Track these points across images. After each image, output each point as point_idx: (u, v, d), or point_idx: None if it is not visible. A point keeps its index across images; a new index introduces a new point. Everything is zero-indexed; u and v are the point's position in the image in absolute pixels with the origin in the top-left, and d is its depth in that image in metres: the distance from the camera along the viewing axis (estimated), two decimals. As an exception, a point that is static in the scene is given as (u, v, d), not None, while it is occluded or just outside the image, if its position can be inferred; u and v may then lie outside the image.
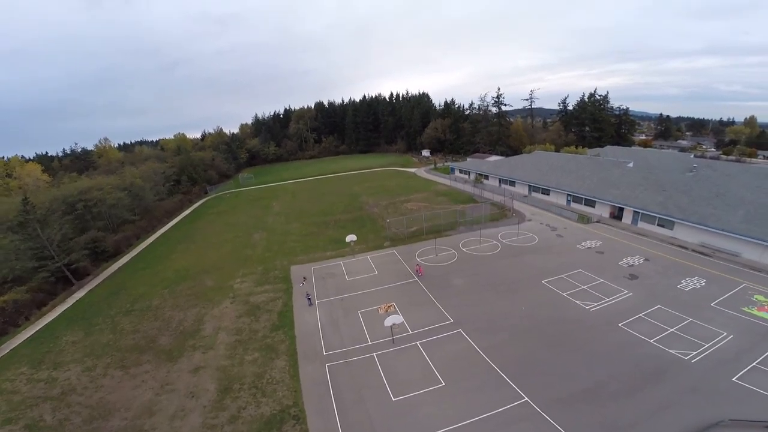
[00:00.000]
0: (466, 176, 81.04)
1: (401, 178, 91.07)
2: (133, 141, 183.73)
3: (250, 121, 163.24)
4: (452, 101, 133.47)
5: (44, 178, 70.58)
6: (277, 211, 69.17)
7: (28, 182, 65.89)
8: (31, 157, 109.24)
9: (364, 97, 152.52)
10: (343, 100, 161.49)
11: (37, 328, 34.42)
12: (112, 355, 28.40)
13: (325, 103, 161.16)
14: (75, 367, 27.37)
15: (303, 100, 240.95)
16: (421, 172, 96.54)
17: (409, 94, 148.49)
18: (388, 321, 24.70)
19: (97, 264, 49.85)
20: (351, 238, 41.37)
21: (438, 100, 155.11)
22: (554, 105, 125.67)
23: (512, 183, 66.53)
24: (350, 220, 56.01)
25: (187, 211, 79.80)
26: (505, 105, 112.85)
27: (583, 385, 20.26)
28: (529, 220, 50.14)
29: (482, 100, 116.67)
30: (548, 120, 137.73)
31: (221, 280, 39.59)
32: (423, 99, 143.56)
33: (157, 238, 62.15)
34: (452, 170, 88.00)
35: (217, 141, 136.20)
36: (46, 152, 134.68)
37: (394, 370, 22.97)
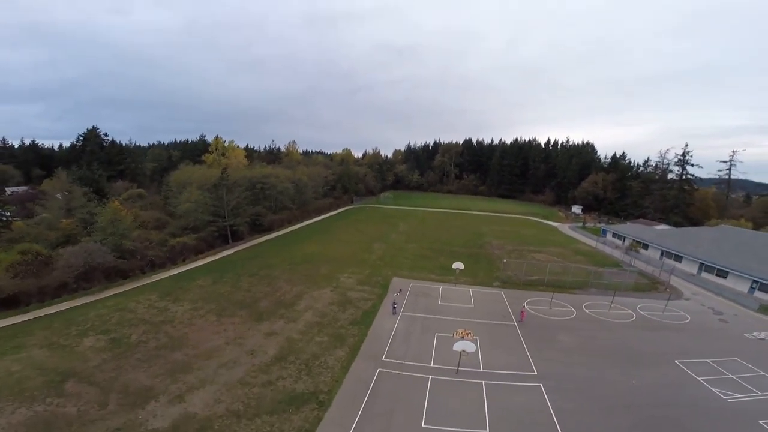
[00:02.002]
0: (620, 242, 69.07)
1: (538, 228, 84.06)
2: (314, 150, 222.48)
3: (403, 148, 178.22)
4: (623, 155, 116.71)
5: (244, 162, 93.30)
6: (401, 230, 73.48)
7: (233, 162, 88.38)
8: (242, 146, 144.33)
9: (516, 140, 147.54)
10: (492, 141, 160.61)
11: (186, 268, 44.16)
12: (219, 303, 33.37)
13: (474, 141, 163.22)
14: (187, 305, 32.62)
15: (455, 135, 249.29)
16: (564, 228, 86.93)
17: (570, 143, 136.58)
18: (458, 346, 23.23)
19: (252, 233, 62.05)
20: (458, 265, 40.59)
21: (605, 153, 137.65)
22: (764, 176, 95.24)
23: (678, 258, 53.52)
24: (466, 255, 54.78)
25: (333, 213, 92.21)
26: (693, 166, 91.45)
27: None
28: (687, 299, 40.95)
29: (662, 157, 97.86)
30: (755, 196, 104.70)
31: (333, 271, 44.35)
32: (585, 149, 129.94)
33: (303, 226, 73.77)
34: (604, 232, 76.42)
35: (372, 161, 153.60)
36: (252, 146, 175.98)
37: (442, 398, 21.40)
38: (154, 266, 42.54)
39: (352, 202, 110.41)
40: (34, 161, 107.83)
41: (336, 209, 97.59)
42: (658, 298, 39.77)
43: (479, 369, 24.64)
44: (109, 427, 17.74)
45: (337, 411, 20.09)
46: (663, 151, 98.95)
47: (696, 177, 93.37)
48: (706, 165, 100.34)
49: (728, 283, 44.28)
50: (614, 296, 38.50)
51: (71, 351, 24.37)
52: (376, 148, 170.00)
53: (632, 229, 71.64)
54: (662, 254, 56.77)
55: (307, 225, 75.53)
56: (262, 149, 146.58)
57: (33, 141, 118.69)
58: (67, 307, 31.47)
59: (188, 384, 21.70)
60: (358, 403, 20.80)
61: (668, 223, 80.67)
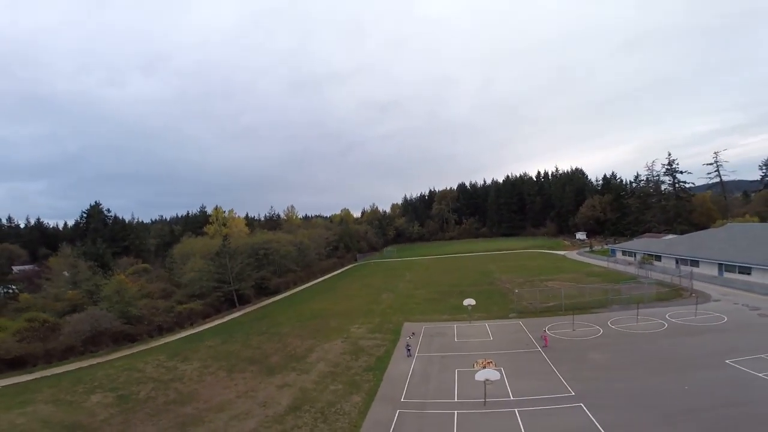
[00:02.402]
0: (631, 258, 67.40)
1: (545, 259, 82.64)
2: (313, 214, 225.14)
3: (399, 201, 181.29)
4: (613, 175, 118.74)
5: (245, 231, 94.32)
6: (408, 279, 72.29)
7: (234, 231, 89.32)
8: (242, 215, 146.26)
9: (508, 177, 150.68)
10: (485, 181, 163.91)
11: (194, 331, 43.39)
12: (229, 360, 32.75)
13: (467, 184, 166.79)
14: (197, 363, 32.16)
15: (448, 181, 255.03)
16: (572, 254, 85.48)
17: (559, 172, 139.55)
18: (480, 375, 21.35)
19: (259, 297, 61.64)
20: (469, 301, 39.07)
21: (595, 175, 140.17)
22: (755, 174, 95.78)
23: (695, 263, 51.80)
24: (476, 292, 52.95)
25: (338, 271, 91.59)
26: (682, 173, 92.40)
27: None
28: (717, 301, 39.06)
29: (650, 169, 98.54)
30: (751, 193, 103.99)
31: (342, 324, 42.72)
32: (576, 175, 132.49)
33: (309, 286, 72.96)
34: (613, 252, 74.97)
35: (371, 217, 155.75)
36: (252, 215, 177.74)
37: None
38: (162, 330, 42.39)
39: (355, 260, 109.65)
40: (40, 240, 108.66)
41: (340, 268, 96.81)
42: (685, 305, 37.71)
43: (509, 398, 22.49)
44: None
45: None
46: (650, 164, 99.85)
47: (690, 183, 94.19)
48: (694, 172, 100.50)
49: (754, 278, 42.34)
50: (638, 308, 36.53)
51: (78, 406, 23.66)
52: (374, 205, 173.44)
53: (640, 243, 70.45)
54: (677, 262, 54.98)
55: (312, 285, 74.58)
56: (262, 217, 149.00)
57: (38, 219, 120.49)
58: (75, 368, 30.95)
59: None
60: None
61: (674, 233, 79.44)
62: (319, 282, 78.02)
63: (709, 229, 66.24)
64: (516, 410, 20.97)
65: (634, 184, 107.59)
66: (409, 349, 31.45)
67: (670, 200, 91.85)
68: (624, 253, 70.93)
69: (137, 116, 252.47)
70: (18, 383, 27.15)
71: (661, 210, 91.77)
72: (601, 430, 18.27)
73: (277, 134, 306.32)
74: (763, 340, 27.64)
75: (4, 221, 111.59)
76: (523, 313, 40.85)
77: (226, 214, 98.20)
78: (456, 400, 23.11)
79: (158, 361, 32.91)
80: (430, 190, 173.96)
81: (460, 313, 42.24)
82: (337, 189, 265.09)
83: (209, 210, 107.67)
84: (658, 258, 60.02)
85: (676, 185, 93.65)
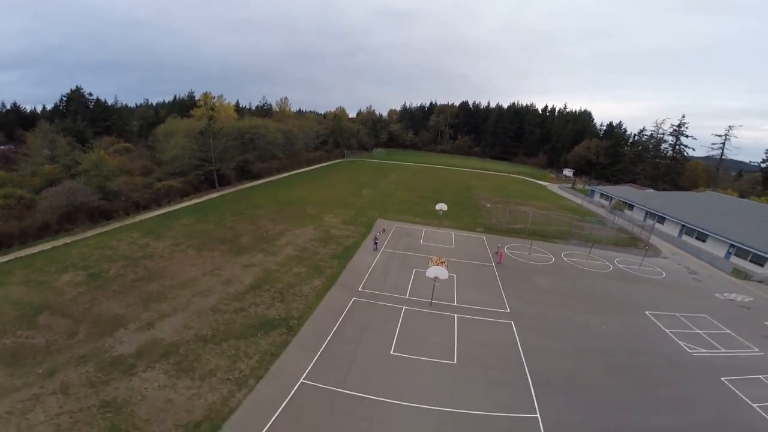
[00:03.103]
0: (606, 202, 69.59)
1: (526, 185, 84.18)
2: (307, 110, 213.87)
3: (398, 108, 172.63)
4: (619, 124, 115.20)
5: (233, 116, 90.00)
6: (392, 180, 73.11)
7: (222, 116, 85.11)
8: (232, 103, 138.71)
9: (513, 104, 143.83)
10: (488, 104, 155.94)
11: (170, 209, 43.08)
12: (201, 239, 33.05)
13: (470, 103, 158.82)
14: (169, 241, 32.08)
15: (452, 97, 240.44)
16: (554, 187, 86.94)
17: (567, 110, 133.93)
18: (431, 272, 23.37)
19: (240, 180, 61.13)
20: (441, 206, 40.56)
21: (601, 120, 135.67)
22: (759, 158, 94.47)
23: (662, 219, 54.25)
24: (453, 202, 54.61)
25: (324, 164, 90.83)
26: (687, 137, 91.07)
27: (633, 425, 15.90)
28: (665, 258, 41.00)
29: (657, 127, 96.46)
30: (745, 173, 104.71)
31: (318, 212, 44.17)
32: (582, 116, 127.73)
33: (292, 174, 72.82)
34: (592, 193, 76.79)
35: (366, 118, 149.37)
36: (243, 105, 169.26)
37: (413, 328, 21.68)
38: (139, 207, 41.49)
39: (343, 156, 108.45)
40: (16, 123, 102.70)
41: (326, 161, 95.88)
42: (636, 254, 40.04)
43: (453, 303, 25.03)
44: (74, 354, 17.28)
45: (306, 336, 20.11)
46: (659, 122, 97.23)
47: (690, 148, 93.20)
48: (702, 142, 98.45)
49: (707, 246, 44.88)
50: (592, 248, 38.94)
51: (48, 286, 23.49)
52: (371, 106, 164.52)
53: (620, 190, 71.99)
54: (646, 215, 57.42)
55: (295, 174, 74.35)
56: (253, 107, 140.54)
57: (14, 103, 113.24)
58: (50, 247, 30.14)
59: (160, 312, 21.38)
60: (329, 329, 20.83)
61: (656, 190, 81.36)
62: (302, 171, 77.73)
63: (688, 192, 67.96)
64: (455, 315, 23.47)
65: (636, 137, 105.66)
66: (376, 243, 33.43)
67: (665, 159, 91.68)
68: (602, 196, 72.82)
69: (124, 9, 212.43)
70: None
71: (653, 166, 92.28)
72: (520, 347, 20.82)
73: (278, 31, 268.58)
74: (685, 301, 29.68)
75: None
76: (489, 230, 43.11)
77: (216, 99, 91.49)
78: (407, 296, 25.43)
79: (131, 238, 32.59)
80: (431, 102, 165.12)
81: (432, 219, 44.23)
82: (336, 90, 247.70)
83: (198, 96, 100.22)
84: (631, 207, 62.26)
85: (677, 147, 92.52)
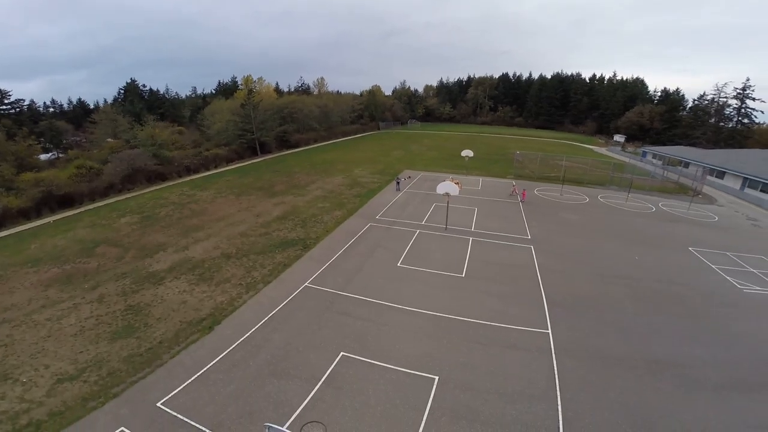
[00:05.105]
0: (659, 162, 64.14)
1: (570, 147, 79.47)
2: (344, 91, 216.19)
3: (434, 84, 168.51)
4: (676, 90, 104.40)
5: (273, 95, 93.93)
6: (425, 144, 72.80)
7: (263, 94, 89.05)
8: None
9: (557, 73, 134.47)
10: (531, 75, 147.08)
11: (216, 171, 46.82)
12: (240, 188, 36.21)
13: (511, 75, 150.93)
14: (212, 191, 35.47)
15: (491, 70, 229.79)
16: (601, 150, 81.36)
17: (616, 78, 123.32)
18: (441, 187, 23.33)
19: (280, 149, 64.49)
20: (467, 152, 39.94)
21: (655, 86, 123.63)
22: None
23: (721, 175, 49.25)
24: (485, 159, 53.32)
25: (358, 135, 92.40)
26: (755, 100, 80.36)
27: (658, 353, 13.62)
28: (720, 206, 37.33)
29: (719, 90, 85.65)
30: None
31: (348, 167, 45.69)
32: (633, 84, 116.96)
33: (328, 144, 74.98)
34: (644, 154, 70.94)
35: (400, 93, 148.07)
36: (282, 88, 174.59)
37: (425, 247, 21.81)
38: (190, 171, 45.85)
39: (378, 128, 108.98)
40: (83, 116, 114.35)
41: (362, 133, 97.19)
42: (684, 200, 36.73)
43: (470, 229, 24.90)
44: (117, 273, 19.42)
45: (319, 251, 21.34)
46: (720, 85, 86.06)
47: (759, 111, 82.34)
48: None
49: (774, 196, 40.28)
50: (630, 191, 36.33)
51: (109, 227, 26.71)
52: (404, 82, 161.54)
53: (675, 149, 66.06)
54: (703, 170, 52.42)
55: (332, 143, 76.37)
56: (292, 88, 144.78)
57: (79, 99, 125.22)
58: (113, 201, 34.43)
59: (195, 238, 23.72)
60: (341, 246, 21.91)
61: (719, 150, 73.44)
62: (338, 141, 79.69)
63: (752, 149, 60.87)
64: (471, 239, 23.34)
65: (696, 102, 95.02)
66: (398, 183, 33.87)
67: (729, 123, 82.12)
68: (654, 156, 67.24)
69: (171, 8, 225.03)
70: (66, 217, 30.30)
71: (715, 130, 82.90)
72: (536, 266, 20.09)
73: (314, 19, 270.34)
74: (738, 241, 26.13)
75: (48, 102, 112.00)
76: (520, 177, 41.75)
77: (256, 81, 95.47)
78: (423, 223, 25.83)
79: (181, 191, 36.28)
80: (469, 76, 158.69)
81: (460, 170, 43.72)
82: (372, 72, 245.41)
83: (240, 80, 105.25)
84: (687, 165, 57.01)
85: (742, 110, 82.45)
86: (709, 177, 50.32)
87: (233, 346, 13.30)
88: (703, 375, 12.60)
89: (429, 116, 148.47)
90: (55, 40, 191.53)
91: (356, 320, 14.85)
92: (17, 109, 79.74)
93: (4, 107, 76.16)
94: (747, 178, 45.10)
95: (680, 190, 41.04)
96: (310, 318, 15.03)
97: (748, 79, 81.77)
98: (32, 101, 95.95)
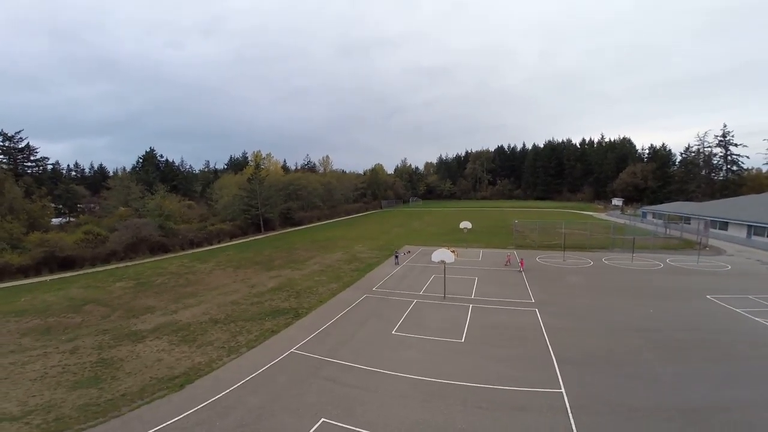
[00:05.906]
0: (660, 220, 64.29)
1: (569, 215, 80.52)
2: (348, 170, 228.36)
3: (434, 161, 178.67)
4: (662, 146, 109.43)
5: (280, 172, 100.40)
6: (425, 220, 74.67)
7: (271, 170, 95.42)
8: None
9: (549, 141, 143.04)
10: (524, 145, 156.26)
11: (219, 246, 48.49)
12: (239, 262, 36.85)
13: (506, 147, 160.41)
14: (212, 264, 36.37)
15: (486, 144, 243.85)
16: (601, 215, 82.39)
17: (605, 140, 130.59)
18: (436, 255, 23.33)
19: (283, 226, 66.94)
20: (465, 224, 40.56)
21: (641, 144, 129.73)
22: None
23: (724, 225, 49.01)
24: (485, 231, 54.08)
25: (361, 214, 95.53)
26: (737, 146, 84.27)
27: (694, 400, 12.33)
28: (730, 255, 36.81)
29: (701, 140, 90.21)
30: None
31: (349, 244, 46.31)
32: (622, 144, 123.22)
33: (331, 222, 77.36)
34: (643, 215, 71.61)
35: (402, 171, 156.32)
36: (289, 165, 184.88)
37: (422, 315, 21.05)
38: (193, 244, 47.60)
39: (381, 207, 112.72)
40: (101, 182, 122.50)
41: (365, 212, 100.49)
42: (691, 254, 36.24)
43: (471, 296, 24.33)
44: (99, 329, 19.37)
45: (310, 320, 20.71)
46: (701, 134, 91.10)
47: (744, 157, 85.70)
48: (752, 148, 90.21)
49: (784, 242, 39.66)
50: (634, 248, 35.98)
51: (102, 289, 27.42)
52: (405, 159, 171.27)
53: (673, 206, 66.65)
54: (706, 224, 52.25)
55: (335, 221, 78.76)
56: (298, 166, 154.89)
57: (100, 164, 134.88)
58: (113, 267, 35.81)
59: (186, 304, 23.79)
60: (333, 315, 21.18)
61: (719, 203, 73.90)
62: (341, 220, 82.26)
63: (749, 196, 61.35)
64: (471, 305, 22.61)
65: (683, 155, 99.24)
66: (397, 257, 34.08)
67: (719, 172, 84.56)
68: (654, 215, 67.60)
69: (196, 78, 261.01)
70: (63, 277, 31.69)
71: (708, 182, 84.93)
72: (542, 326, 19.04)
73: (325, 98, 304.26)
74: (759, 284, 25.69)
75: (71, 165, 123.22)
76: (521, 246, 41.74)
77: (264, 157, 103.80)
78: (421, 293, 25.39)
79: (181, 262, 37.32)
80: (467, 151, 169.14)
81: (461, 243, 43.94)
82: (375, 151, 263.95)
83: (250, 156, 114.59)
84: (688, 221, 57.01)
85: (728, 158, 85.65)
86: (712, 229, 50.00)
87: (201, 405, 12.35)
88: (757, 415, 11.39)
89: (430, 193, 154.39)
90: (86, 100, 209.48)
91: (343, 386, 13.67)
92: (41, 168, 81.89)
93: (29, 164, 78.74)
94: (752, 225, 44.80)
95: (686, 245, 40.55)
96: (291, 382, 13.97)
97: (725, 125, 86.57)
98: (57, 162, 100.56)
